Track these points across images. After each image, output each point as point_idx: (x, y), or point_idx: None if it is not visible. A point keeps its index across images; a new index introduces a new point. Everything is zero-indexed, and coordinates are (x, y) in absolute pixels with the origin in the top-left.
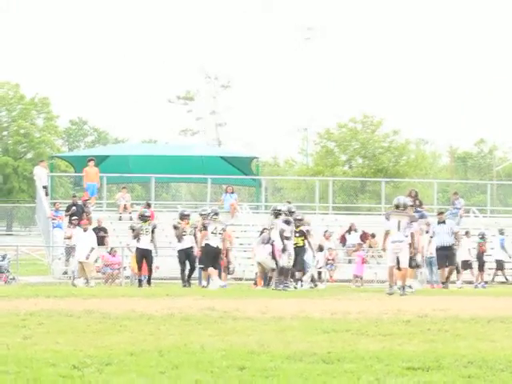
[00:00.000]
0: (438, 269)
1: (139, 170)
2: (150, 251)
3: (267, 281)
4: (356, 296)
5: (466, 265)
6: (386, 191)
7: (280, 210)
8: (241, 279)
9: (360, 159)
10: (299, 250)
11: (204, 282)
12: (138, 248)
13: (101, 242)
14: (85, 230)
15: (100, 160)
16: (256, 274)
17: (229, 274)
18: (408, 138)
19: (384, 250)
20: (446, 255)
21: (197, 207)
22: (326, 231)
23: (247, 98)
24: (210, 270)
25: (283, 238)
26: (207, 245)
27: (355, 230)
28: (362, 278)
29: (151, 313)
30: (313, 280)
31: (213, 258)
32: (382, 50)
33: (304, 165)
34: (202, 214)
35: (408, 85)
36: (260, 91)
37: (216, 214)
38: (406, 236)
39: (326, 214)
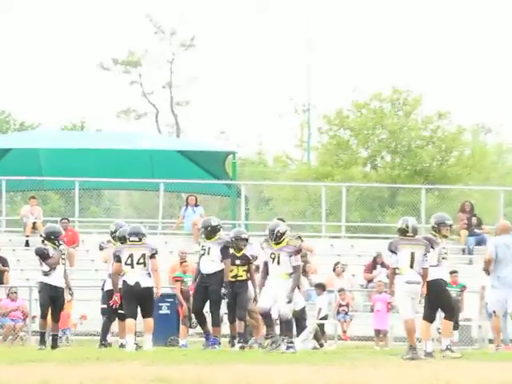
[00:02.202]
0: None
1: (56, 172)
2: (62, 290)
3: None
4: (382, 361)
5: None
6: (427, 203)
7: (216, 227)
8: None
9: (388, 156)
10: (241, 286)
11: (127, 340)
12: (45, 284)
13: None
14: None
15: None
16: None
17: (190, 327)
18: (461, 125)
19: (391, 295)
20: None
21: (143, 226)
22: (336, 264)
23: (219, 63)
24: (128, 321)
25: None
26: (124, 282)
27: (381, 264)
28: (386, 335)
29: None
30: (317, 337)
31: (135, 301)
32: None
33: (304, 164)
34: (117, 236)
35: (460, 49)
36: (238, 53)
37: (137, 234)
38: (419, 273)
39: (338, 237)
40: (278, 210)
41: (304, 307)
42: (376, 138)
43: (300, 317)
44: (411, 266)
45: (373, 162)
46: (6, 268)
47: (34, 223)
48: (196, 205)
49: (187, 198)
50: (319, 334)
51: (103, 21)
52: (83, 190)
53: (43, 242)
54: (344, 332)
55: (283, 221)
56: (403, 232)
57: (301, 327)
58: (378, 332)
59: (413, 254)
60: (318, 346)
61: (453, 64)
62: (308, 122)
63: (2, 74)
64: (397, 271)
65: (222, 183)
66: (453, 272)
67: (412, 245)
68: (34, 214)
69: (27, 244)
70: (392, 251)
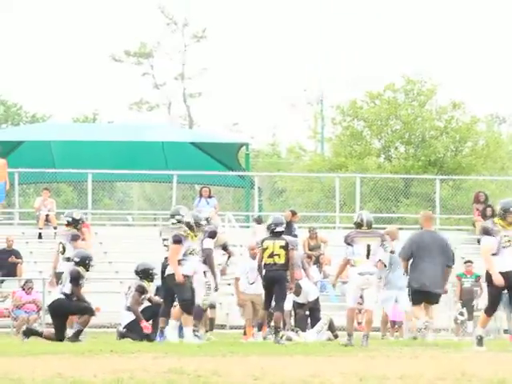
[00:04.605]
0: None
1: (69, 164)
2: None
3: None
4: (397, 352)
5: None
6: (441, 194)
7: (181, 217)
8: (223, 327)
9: (402, 146)
10: None
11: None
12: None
13: (11, 270)
14: None
15: (9, 148)
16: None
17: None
18: (475, 115)
19: (334, 285)
20: None
21: (156, 218)
22: None
23: (231, 54)
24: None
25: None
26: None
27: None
28: (401, 326)
29: (87, 378)
30: (331, 328)
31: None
32: None
33: (318, 155)
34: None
35: (474, 39)
36: (250, 45)
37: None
38: (375, 265)
39: (352, 228)
40: (292, 201)
41: (317, 298)
42: (390, 129)
43: (314, 308)
44: (367, 257)
45: (387, 153)
46: (19, 260)
47: (47, 215)
48: (210, 196)
49: (201, 190)
50: (334, 325)
51: (115, 12)
52: (96, 181)
53: None
54: (359, 323)
55: (295, 213)
56: (358, 225)
57: (315, 318)
58: (393, 323)
59: (369, 246)
60: (333, 338)
61: (467, 54)
62: (321, 113)
63: (13, 67)
64: (351, 263)
65: (235, 175)
66: (467, 262)
67: (368, 237)
68: (47, 206)
69: (40, 236)
70: (348, 243)
